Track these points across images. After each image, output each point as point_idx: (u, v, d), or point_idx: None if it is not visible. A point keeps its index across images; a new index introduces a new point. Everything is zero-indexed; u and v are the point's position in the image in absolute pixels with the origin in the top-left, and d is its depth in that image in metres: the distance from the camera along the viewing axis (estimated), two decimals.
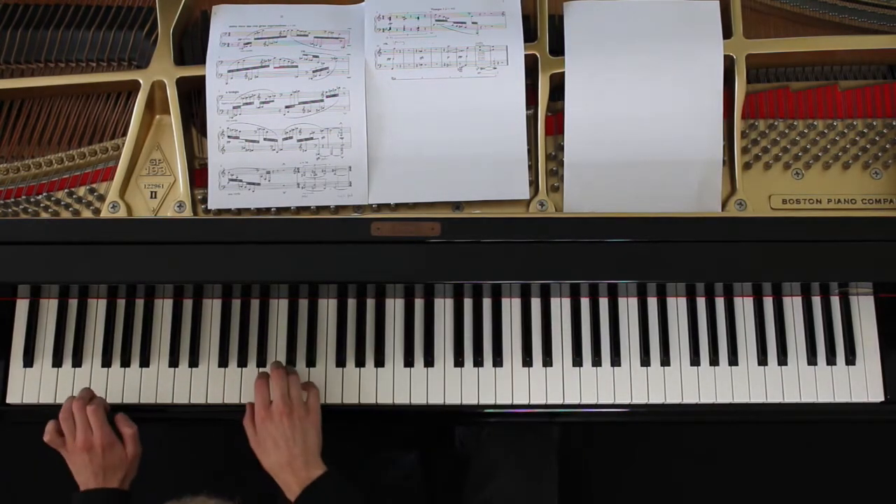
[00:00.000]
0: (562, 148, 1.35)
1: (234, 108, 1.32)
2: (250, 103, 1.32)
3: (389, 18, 1.35)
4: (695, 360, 1.39)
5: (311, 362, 1.38)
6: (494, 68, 1.32)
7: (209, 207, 1.32)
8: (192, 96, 1.39)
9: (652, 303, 1.41)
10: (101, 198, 1.35)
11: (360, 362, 1.39)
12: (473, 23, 1.34)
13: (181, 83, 1.34)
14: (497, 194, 1.33)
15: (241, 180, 1.32)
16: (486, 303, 1.41)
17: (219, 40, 1.34)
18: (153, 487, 1.47)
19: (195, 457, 1.67)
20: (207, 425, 1.61)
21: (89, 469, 1.25)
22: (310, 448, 1.24)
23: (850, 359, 1.39)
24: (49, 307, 1.40)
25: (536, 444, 1.45)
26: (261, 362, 1.38)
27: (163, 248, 1.24)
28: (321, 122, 1.32)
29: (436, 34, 1.33)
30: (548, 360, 1.38)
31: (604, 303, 1.41)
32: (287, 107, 1.32)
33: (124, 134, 1.35)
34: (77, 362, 1.38)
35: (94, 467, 1.25)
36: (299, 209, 1.33)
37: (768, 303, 1.41)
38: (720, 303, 1.41)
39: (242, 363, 1.39)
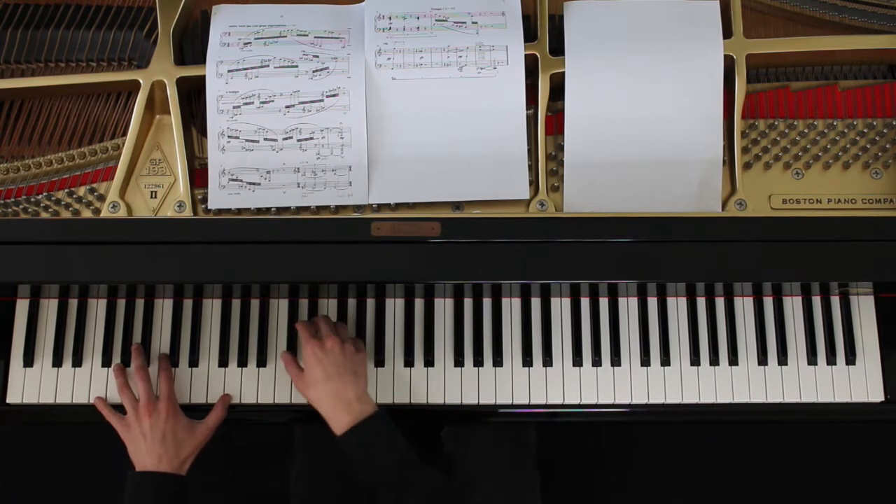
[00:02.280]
0: (562, 148, 1.35)
1: (234, 107, 1.32)
2: (250, 103, 1.32)
3: (389, 18, 1.35)
4: (695, 360, 1.39)
5: None
6: (494, 68, 1.32)
7: (209, 207, 1.32)
8: (192, 96, 1.39)
9: (652, 303, 1.41)
10: (101, 198, 1.35)
11: None
12: (473, 23, 1.34)
13: (181, 83, 1.34)
14: (497, 194, 1.33)
15: (241, 180, 1.32)
16: (486, 303, 1.41)
17: (219, 40, 1.34)
18: None
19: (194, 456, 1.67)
20: None
21: (147, 441, 1.22)
22: (360, 381, 1.25)
23: (850, 359, 1.39)
24: (49, 307, 1.40)
25: (514, 452, 1.44)
26: (261, 362, 1.38)
27: (163, 248, 1.24)
28: (321, 121, 1.32)
29: (436, 34, 1.33)
30: (548, 360, 1.39)
31: (604, 303, 1.41)
32: (287, 107, 1.32)
33: (124, 134, 1.35)
34: (77, 362, 1.38)
35: (155, 436, 1.23)
36: (299, 209, 1.33)
37: (768, 303, 1.41)
38: (720, 303, 1.41)
39: (242, 363, 1.39)
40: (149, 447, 1.23)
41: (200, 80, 1.33)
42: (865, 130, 1.38)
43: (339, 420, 1.21)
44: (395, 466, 1.19)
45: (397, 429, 1.22)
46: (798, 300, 1.42)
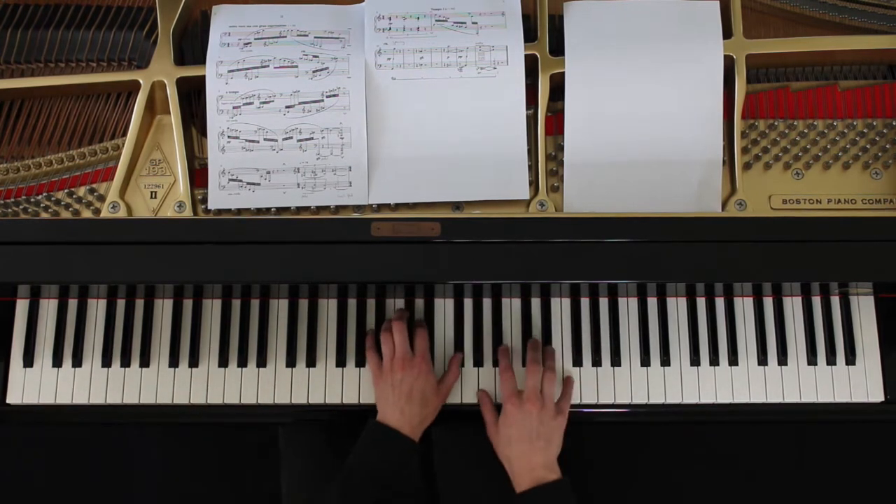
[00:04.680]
0: (562, 148, 1.35)
1: (234, 108, 1.32)
2: (250, 103, 1.32)
3: (389, 18, 1.35)
4: (695, 360, 1.39)
5: (311, 362, 1.39)
6: (494, 68, 1.32)
7: (209, 207, 1.32)
8: (192, 96, 1.39)
9: (652, 303, 1.41)
10: (101, 198, 1.35)
11: (360, 362, 1.39)
12: (473, 23, 1.34)
13: (181, 83, 1.34)
14: (497, 194, 1.33)
15: (241, 180, 1.32)
16: (486, 303, 1.41)
17: (219, 40, 1.34)
18: (153, 487, 1.47)
19: (195, 457, 1.67)
20: (207, 425, 1.61)
21: (395, 392, 1.25)
22: (551, 449, 1.24)
23: (850, 359, 1.39)
24: (49, 307, 1.40)
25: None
26: (261, 362, 1.38)
27: (163, 248, 1.24)
28: (321, 122, 1.32)
29: (436, 34, 1.33)
30: None
31: (604, 303, 1.41)
32: (287, 107, 1.32)
33: (124, 134, 1.35)
34: (77, 362, 1.38)
35: (403, 390, 1.25)
36: (299, 209, 1.33)
37: (768, 303, 1.41)
38: (720, 303, 1.41)
39: (242, 363, 1.39)
40: (395, 399, 1.26)
41: (200, 81, 1.33)
42: (865, 131, 1.38)
43: (520, 482, 1.22)
44: None
45: (573, 499, 1.22)
46: (798, 300, 1.42)
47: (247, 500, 1.67)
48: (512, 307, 1.41)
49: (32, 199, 1.34)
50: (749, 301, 1.41)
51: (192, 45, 1.39)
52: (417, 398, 1.27)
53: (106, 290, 1.39)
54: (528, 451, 1.22)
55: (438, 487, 1.42)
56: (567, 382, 1.36)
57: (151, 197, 1.35)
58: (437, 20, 1.34)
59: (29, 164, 1.35)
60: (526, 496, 1.20)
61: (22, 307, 1.40)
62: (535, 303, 1.41)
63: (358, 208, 1.33)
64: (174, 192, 1.35)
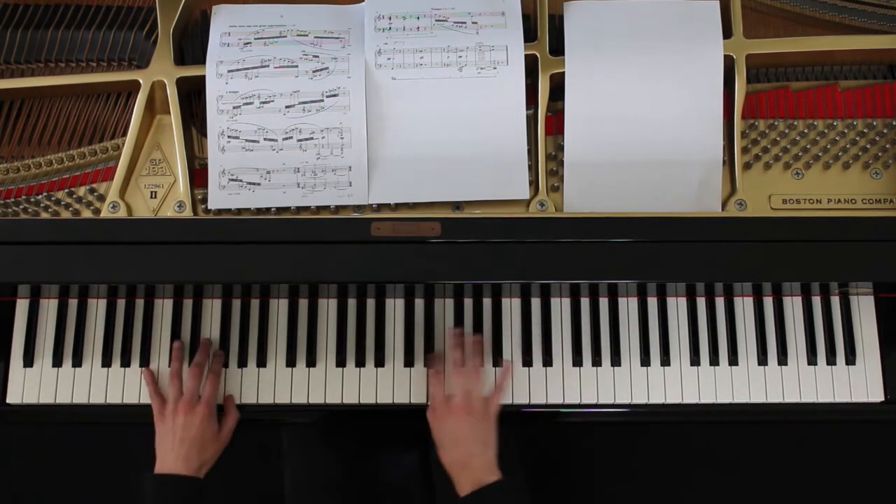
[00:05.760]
0: (562, 148, 1.35)
1: (234, 108, 1.32)
2: (250, 103, 1.32)
3: (389, 18, 1.35)
4: (695, 360, 1.39)
5: (311, 362, 1.38)
6: (494, 68, 1.32)
7: (209, 207, 1.32)
8: (192, 96, 1.39)
9: (652, 303, 1.41)
10: (101, 198, 1.35)
11: (360, 362, 1.39)
12: (473, 23, 1.34)
13: (181, 83, 1.34)
14: (497, 194, 1.33)
15: (241, 180, 1.32)
16: (486, 303, 1.41)
17: (219, 40, 1.34)
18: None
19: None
20: None
21: (176, 437, 1.23)
22: (487, 450, 1.24)
23: (850, 359, 1.39)
24: (49, 307, 1.40)
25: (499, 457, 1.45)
26: (261, 362, 1.38)
27: (163, 248, 1.24)
28: (321, 122, 1.32)
29: (436, 34, 1.33)
30: (548, 360, 1.39)
31: (604, 303, 1.41)
32: (287, 107, 1.32)
33: (124, 134, 1.35)
34: (77, 362, 1.38)
35: (184, 436, 1.23)
36: (299, 209, 1.33)
37: (768, 303, 1.41)
38: (720, 303, 1.41)
39: (242, 363, 1.38)
40: (175, 444, 1.24)
41: (200, 80, 1.33)
42: (865, 130, 1.38)
43: (462, 487, 1.21)
44: None
45: (521, 497, 1.22)
46: (798, 300, 1.42)
47: (247, 499, 1.67)
48: (512, 307, 1.41)
49: (32, 199, 1.34)
50: (749, 301, 1.41)
51: (192, 45, 1.39)
52: (198, 444, 1.24)
53: (106, 290, 1.39)
54: (465, 455, 1.22)
55: (434, 481, 1.42)
56: (502, 376, 1.34)
57: (151, 197, 1.35)
58: (437, 20, 1.34)
59: (29, 164, 1.35)
60: (467, 500, 1.20)
61: (22, 307, 1.40)
62: (535, 303, 1.41)
63: (358, 208, 1.33)
64: (174, 192, 1.35)
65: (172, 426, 1.25)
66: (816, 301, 1.41)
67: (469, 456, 1.22)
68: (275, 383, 1.38)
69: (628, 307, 1.41)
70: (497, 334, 1.40)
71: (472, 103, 1.32)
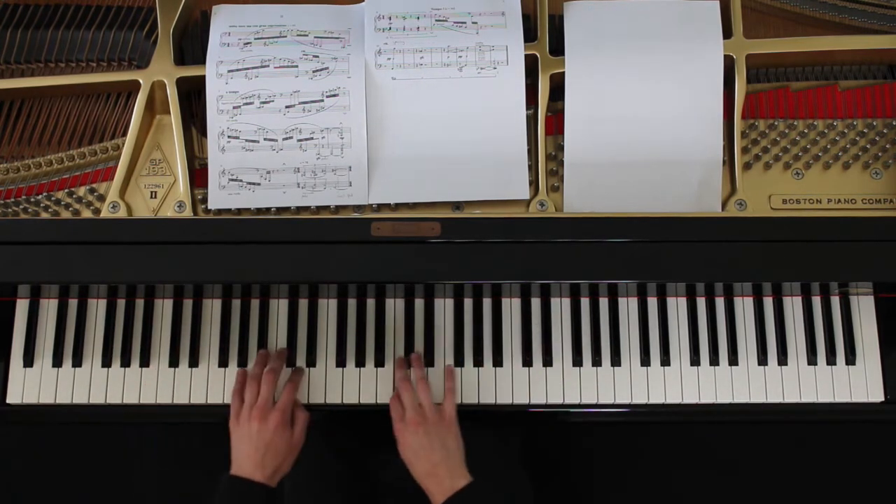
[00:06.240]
0: (562, 148, 1.35)
1: (234, 108, 1.32)
2: (250, 103, 1.32)
3: (389, 18, 1.35)
4: (695, 360, 1.39)
5: (311, 362, 1.38)
6: (494, 68, 1.32)
7: (209, 207, 1.32)
8: (192, 96, 1.39)
9: (652, 303, 1.41)
10: (101, 198, 1.35)
11: (360, 362, 1.39)
12: (473, 23, 1.34)
13: (181, 83, 1.34)
14: (497, 194, 1.33)
15: (241, 180, 1.32)
16: (486, 303, 1.41)
17: (219, 40, 1.34)
18: (153, 487, 1.47)
19: (195, 457, 1.67)
20: (207, 425, 1.61)
21: (252, 444, 1.23)
22: (452, 455, 1.24)
23: (850, 359, 1.39)
24: (49, 307, 1.40)
25: (501, 452, 1.44)
26: None
27: (163, 248, 1.24)
28: (321, 122, 1.32)
29: (436, 34, 1.33)
30: (548, 360, 1.39)
31: (604, 303, 1.41)
32: (287, 107, 1.32)
33: (124, 134, 1.35)
34: (77, 362, 1.38)
35: (258, 443, 1.23)
36: (299, 209, 1.33)
37: (768, 303, 1.41)
38: (720, 303, 1.41)
39: (242, 363, 1.39)
40: (249, 451, 1.23)
41: (200, 80, 1.33)
42: (865, 130, 1.38)
43: (434, 497, 1.22)
44: None
45: (494, 495, 1.22)
46: (798, 300, 1.42)
47: None
48: (512, 307, 1.41)
49: (32, 199, 1.34)
50: (749, 301, 1.41)
51: (192, 45, 1.39)
52: (272, 452, 1.24)
53: (106, 290, 1.39)
54: (430, 467, 1.22)
55: None
56: (448, 379, 1.33)
57: (151, 197, 1.35)
58: (437, 20, 1.34)
59: (29, 164, 1.35)
60: None
61: (22, 307, 1.40)
62: (535, 303, 1.41)
63: (358, 208, 1.33)
64: (174, 192, 1.35)
65: (248, 431, 1.25)
66: (816, 301, 1.41)
67: (433, 465, 1.22)
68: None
69: (628, 307, 1.41)
70: (497, 334, 1.40)
71: (472, 103, 1.32)
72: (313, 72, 1.32)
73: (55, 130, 1.38)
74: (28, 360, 1.37)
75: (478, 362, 1.39)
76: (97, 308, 1.40)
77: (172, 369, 1.38)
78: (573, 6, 1.36)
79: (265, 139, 1.32)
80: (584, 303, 1.41)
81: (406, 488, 1.53)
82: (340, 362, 1.39)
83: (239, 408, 1.29)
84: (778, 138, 1.38)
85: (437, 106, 1.32)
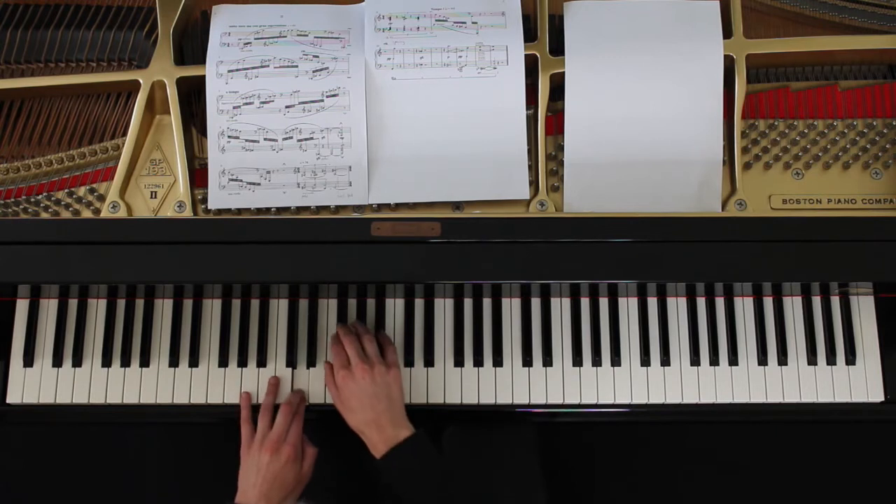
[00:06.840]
0: (562, 148, 1.35)
1: (234, 108, 1.32)
2: (250, 103, 1.32)
3: (389, 18, 1.35)
4: (695, 360, 1.39)
5: (311, 362, 1.38)
6: (494, 68, 1.32)
7: (209, 207, 1.32)
8: (192, 96, 1.39)
9: (652, 303, 1.41)
10: (101, 198, 1.35)
11: None
12: (473, 23, 1.34)
13: (181, 83, 1.34)
14: (497, 194, 1.33)
15: (241, 180, 1.32)
16: (486, 303, 1.41)
17: (219, 40, 1.34)
18: (153, 487, 1.47)
19: (195, 457, 1.67)
20: (207, 425, 1.61)
21: (260, 475, 1.23)
22: (394, 404, 1.25)
23: (850, 359, 1.39)
24: (49, 307, 1.40)
25: (518, 452, 1.44)
26: (261, 362, 1.38)
27: (163, 248, 1.24)
28: (321, 122, 1.32)
29: (436, 34, 1.33)
30: (548, 360, 1.39)
31: (604, 303, 1.41)
32: (287, 107, 1.32)
33: (124, 134, 1.35)
34: (77, 362, 1.38)
35: (267, 475, 1.23)
36: (299, 209, 1.33)
37: (768, 303, 1.41)
38: (720, 303, 1.41)
39: (242, 363, 1.39)
40: (257, 481, 1.23)
41: (200, 80, 1.33)
42: (865, 130, 1.38)
43: (376, 447, 1.22)
44: (434, 487, 1.20)
45: (434, 449, 1.23)
46: (798, 300, 1.42)
47: None
48: (512, 307, 1.41)
49: (32, 199, 1.34)
50: (749, 301, 1.41)
51: (192, 45, 1.39)
52: (280, 485, 1.23)
53: (106, 290, 1.39)
54: (374, 415, 1.23)
55: None
56: (384, 337, 1.36)
57: (151, 197, 1.35)
58: (437, 20, 1.34)
59: (29, 164, 1.35)
60: (385, 460, 1.20)
61: (22, 307, 1.40)
62: (535, 303, 1.41)
63: (358, 208, 1.33)
64: (174, 192, 1.35)
65: (258, 461, 1.24)
66: (816, 301, 1.41)
67: (377, 413, 1.23)
68: None
69: (628, 307, 1.41)
70: (497, 334, 1.40)
71: (472, 103, 1.32)
72: (313, 72, 1.32)
73: (55, 130, 1.38)
74: (28, 360, 1.37)
75: (478, 362, 1.39)
76: (97, 308, 1.40)
77: (172, 369, 1.38)
78: (573, 6, 1.36)
79: (265, 139, 1.32)
80: (584, 303, 1.41)
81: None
82: None
83: (250, 435, 1.29)
84: (778, 138, 1.38)
85: (437, 106, 1.32)
